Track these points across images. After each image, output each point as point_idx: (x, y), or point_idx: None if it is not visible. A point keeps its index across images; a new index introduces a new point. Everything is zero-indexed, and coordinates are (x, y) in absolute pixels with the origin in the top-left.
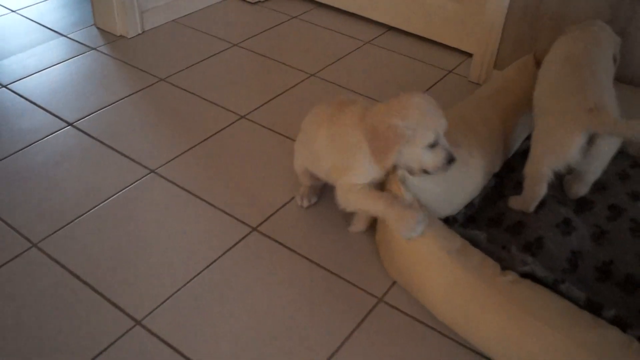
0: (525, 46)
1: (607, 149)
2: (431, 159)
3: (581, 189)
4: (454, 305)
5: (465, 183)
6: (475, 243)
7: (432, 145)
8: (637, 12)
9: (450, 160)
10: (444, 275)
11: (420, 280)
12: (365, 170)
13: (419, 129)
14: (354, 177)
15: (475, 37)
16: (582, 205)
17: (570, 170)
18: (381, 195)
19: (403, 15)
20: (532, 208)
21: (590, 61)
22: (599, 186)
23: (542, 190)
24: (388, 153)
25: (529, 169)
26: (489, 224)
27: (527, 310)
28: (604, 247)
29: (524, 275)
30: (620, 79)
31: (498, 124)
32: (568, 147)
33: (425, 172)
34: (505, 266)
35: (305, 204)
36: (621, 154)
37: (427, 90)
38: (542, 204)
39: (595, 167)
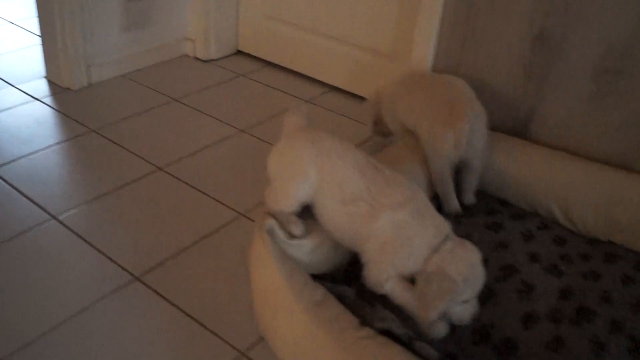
0: None
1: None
2: (459, 313)
3: (468, 196)
4: (302, 357)
5: None
6: (343, 298)
7: (466, 301)
8: (551, 72)
9: (475, 317)
10: (294, 327)
11: (275, 330)
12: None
13: (467, 289)
14: (392, 270)
15: None
16: None
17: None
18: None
19: (342, 76)
20: (453, 206)
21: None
22: (498, 244)
23: (450, 182)
24: (437, 306)
25: (434, 175)
26: None
27: None
28: (487, 308)
29: (384, 333)
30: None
31: None
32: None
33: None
34: (366, 322)
35: (301, 229)
36: (532, 214)
37: (360, 145)
38: None
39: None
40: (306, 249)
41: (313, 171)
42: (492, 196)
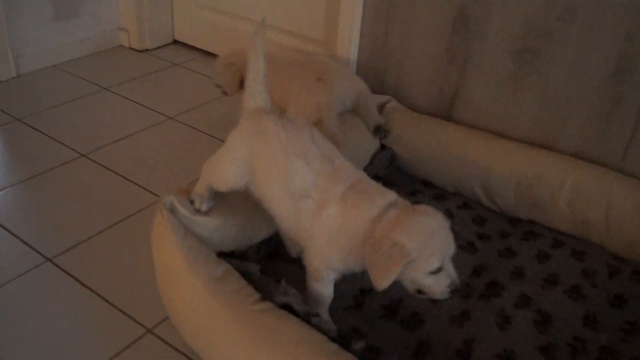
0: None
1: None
2: (432, 285)
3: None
4: (199, 329)
5: (255, 221)
6: (249, 275)
7: (435, 272)
8: (472, 52)
9: (454, 289)
10: (193, 302)
11: (175, 306)
12: (353, 262)
13: (425, 252)
14: (337, 261)
15: None
16: None
17: None
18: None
19: None
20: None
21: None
22: None
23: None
24: (387, 273)
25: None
26: (292, 260)
27: (265, 339)
28: (397, 284)
29: (285, 307)
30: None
31: None
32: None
33: (420, 292)
34: (268, 297)
35: (205, 207)
36: (454, 195)
37: None
38: None
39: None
40: (211, 226)
41: (249, 159)
42: (415, 177)
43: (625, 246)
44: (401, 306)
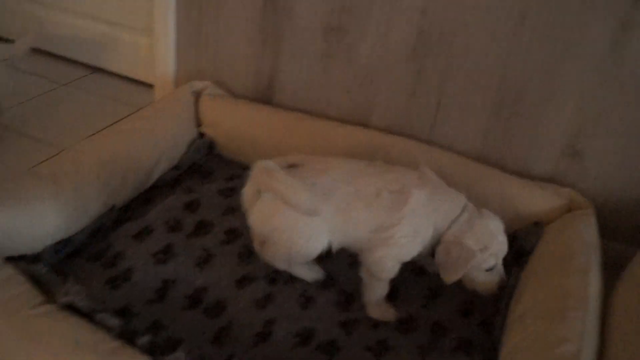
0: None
1: None
2: (485, 282)
3: None
4: None
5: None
6: (37, 276)
7: (490, 269)
8: (284, 33)
9: (502, 285)
10: None
11: None
12: (420, 250)
13: (486, 253)
14: (414, 251)
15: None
16: (199, 228)
17: None
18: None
19: (102, 56)
20: None
21: None
22: (227, 209)
23: None
24: (455, 272)
25: None
26: (91, 259)
27: (41, 344)
28: (204, 272)
29: (69, 307)
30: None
31: None
32: None
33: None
34: (53, 299)
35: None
36: None
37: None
38: (149, 232)
39: None
40: None
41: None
42: (236, 163)
43: None
44: (205, 295)
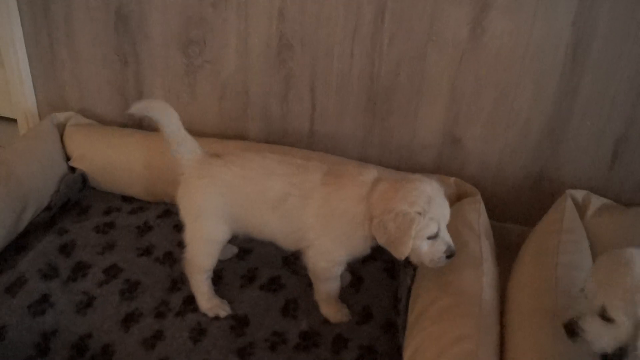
0: None
1: None
2: (430, 251)
3: None
4: None
5: None
6: None
7: (433, 237)
8: (142, 51)
9: (450, 254)
10: None
11: None
12: (359, 247)
13: (425, 217)
14: (343, 250)
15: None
16: (76, 271)
17: None
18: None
19: None
20: None
21: None
22: (106, 246)
23: None
24: (403, 244)
25: None
26: None
27: None
28: (87, 317)
29: None
30: None
31: None
32: None
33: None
34: None
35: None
36: (156, 204)
37: None
38: (22, 284)
39: None
40: None
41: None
42: (113, 194)
43: None
44: (91, 342)
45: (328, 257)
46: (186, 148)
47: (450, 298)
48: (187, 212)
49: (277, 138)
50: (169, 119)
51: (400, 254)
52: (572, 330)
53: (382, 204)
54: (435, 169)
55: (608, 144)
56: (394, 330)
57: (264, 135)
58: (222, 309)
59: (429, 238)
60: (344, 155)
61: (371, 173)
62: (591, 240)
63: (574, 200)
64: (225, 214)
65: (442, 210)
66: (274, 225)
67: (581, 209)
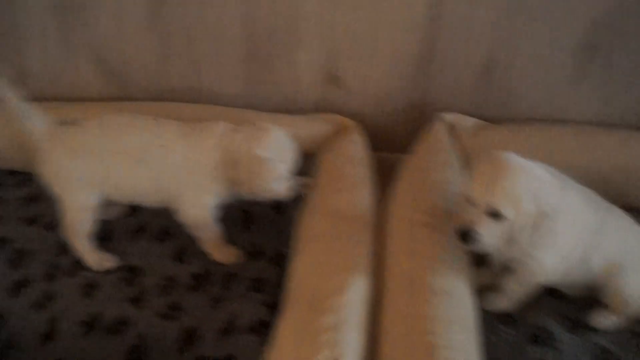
0: None
1: None
2: (280, 190)
3: None
4: None
5: None
6: None
7: (283, 178)
8: None
9: (295, 191)
10: None
11: None
12: (216, 192)
13: (276, 161)
14: (207, 196)
15: None
16: None
17: None
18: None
19: None
20: None
21: None
22: None
23: None
24: (258, 184)
25: None
26: None
27: None
28: None
29: None
30: None
31: None
32: None
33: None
34: None
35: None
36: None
37: None
38: None
39: None
40: None
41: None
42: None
43: None
44: None
45: (196, 205)
46: (35, 120)
47: (330, 220)
48: (51, 184)
49: (158, 95)
50: (10, 92)
51: (264, 196)
52: (467, 235)
53: (236, 151)
54: (318, 108)
55: (475, 68)
56: (283, 262)
57: (145, 95)
58: (109, 261)
59: (279, 179)
60: (229, 105)
61: (220, 124)
62: (464, 158)
63: (445, 122)
64: (90, 178)
65: (289, 154)
66: (141, 181)
67: (452, 129)
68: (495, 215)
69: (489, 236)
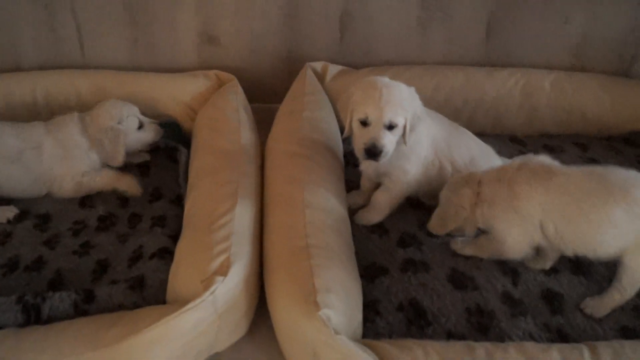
0: None
1: None
2: (146, 137)
3: None
4: None
5: None
6: None
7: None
8: None
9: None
10: None
11: None
12: (93, 165)
13: (122, 124)
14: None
15: None
16: None
17: None
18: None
19: None
20: None
21: None
22: None
23: None
24: (118, 151)
25: None
26: None
27: None
28: None
29: None
30: None
31: None
32: None
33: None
34: None
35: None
36: None
37: None
38: None
39: None
40: None
41: None
42: None
43: None
44: None
45: (72, 181)
46: None
47: (215, 156)
48: None
49: (49, 64)
50: None
51: (118, 162)
52: (374, 150)
53: (95, 127)
54: (199, 67)
55: (335, 20)
56: (182, 202)
57: (38, 64)
58: (9, 211)
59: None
60: (114, 67)
61: (75, 113)
62: (332, 100)
63: (314, 70)
64: None
65: (128, 111)
66: (19, 178)
67: (320, 76)
68: (390, 127)
69: (389, 145)
